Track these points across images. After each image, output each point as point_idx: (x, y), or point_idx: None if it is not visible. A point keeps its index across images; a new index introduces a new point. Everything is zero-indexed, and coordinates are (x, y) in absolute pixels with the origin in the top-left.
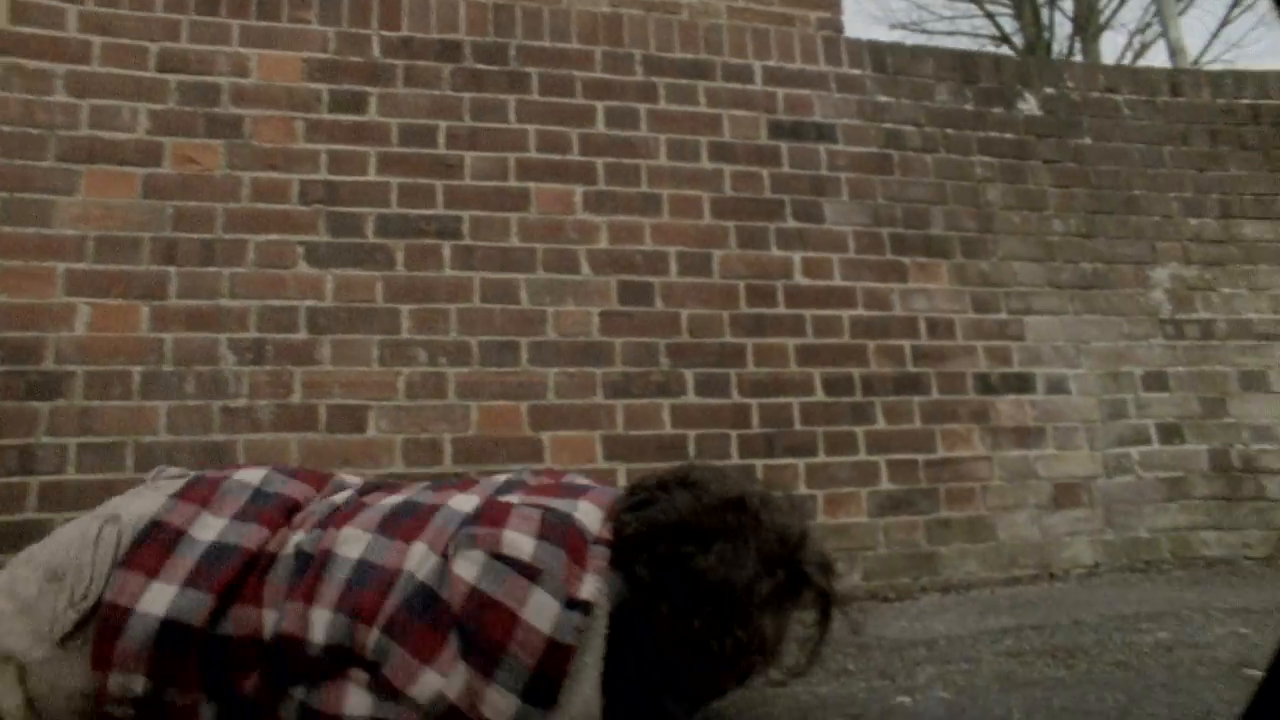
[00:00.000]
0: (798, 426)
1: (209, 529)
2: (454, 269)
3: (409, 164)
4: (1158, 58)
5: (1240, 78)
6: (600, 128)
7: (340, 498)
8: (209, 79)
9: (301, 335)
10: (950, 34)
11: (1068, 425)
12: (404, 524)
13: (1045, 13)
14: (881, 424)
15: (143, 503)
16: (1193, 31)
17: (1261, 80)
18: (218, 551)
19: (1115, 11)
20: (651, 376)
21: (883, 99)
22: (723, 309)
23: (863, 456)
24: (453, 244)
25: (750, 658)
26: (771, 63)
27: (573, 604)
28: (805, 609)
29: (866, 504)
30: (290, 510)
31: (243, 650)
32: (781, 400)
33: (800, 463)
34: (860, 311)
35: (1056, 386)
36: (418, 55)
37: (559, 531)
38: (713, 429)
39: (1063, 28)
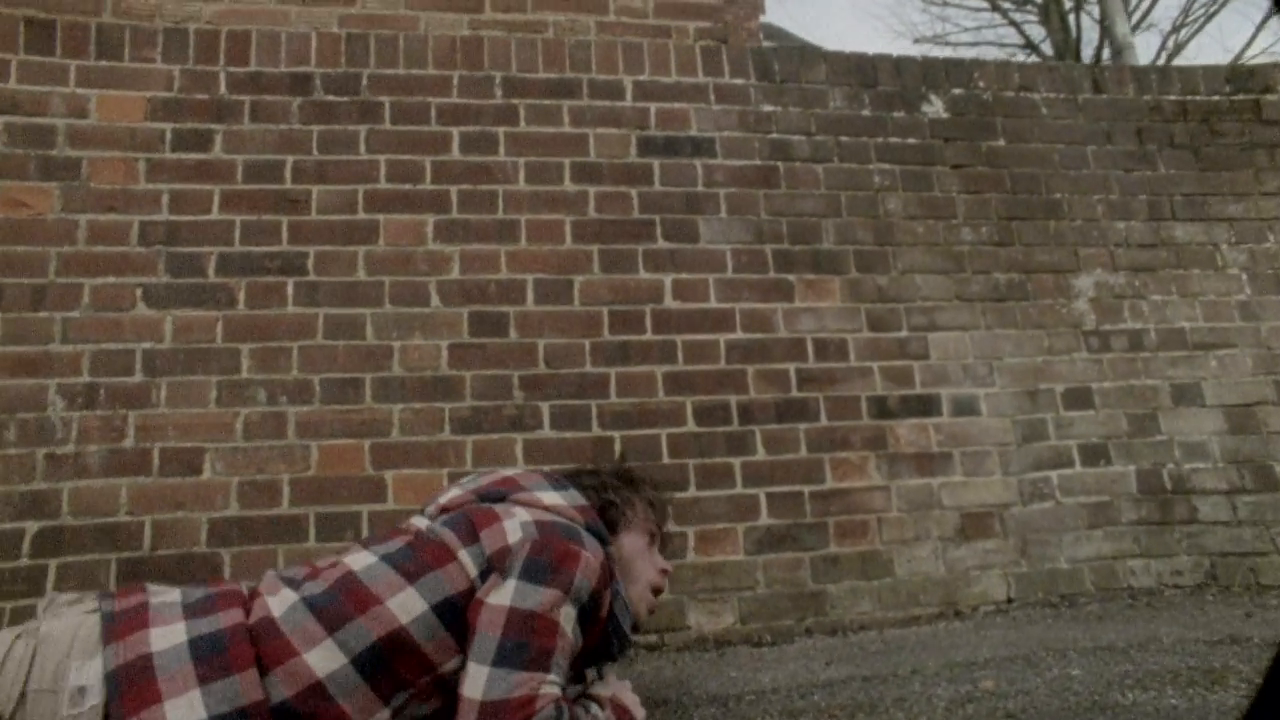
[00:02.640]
0: (665, 459)
1: (173, 636)
2: (297, 306)
3: (253, 201)
4: (1199, 55)
5: (1165, 73)
6: (455, 154)
7: (289, 570)
8: (42, 120)
9: (137, 378)
10: (974, 44)
11: (978, 449)
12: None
13: (1073, 18)
14: (761, 454)
15: (63, 622)
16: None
17: (1189, 75)
18: (205, 642)
19: (1147, 12)
20: (504, 410)
21: (768, 108)
22: (584, 337)
23: (739, 490)
24: (296, 280)
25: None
26: (644, 77)
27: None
28: (647, 502)
29: (744, 540)
30: (234, 596)
31: (308, 700)
32: (648, 432)
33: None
34: (738, 335)
35: (965, 408)
36: (266, 90)
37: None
38: (570, 464)
39: (1092, 31)
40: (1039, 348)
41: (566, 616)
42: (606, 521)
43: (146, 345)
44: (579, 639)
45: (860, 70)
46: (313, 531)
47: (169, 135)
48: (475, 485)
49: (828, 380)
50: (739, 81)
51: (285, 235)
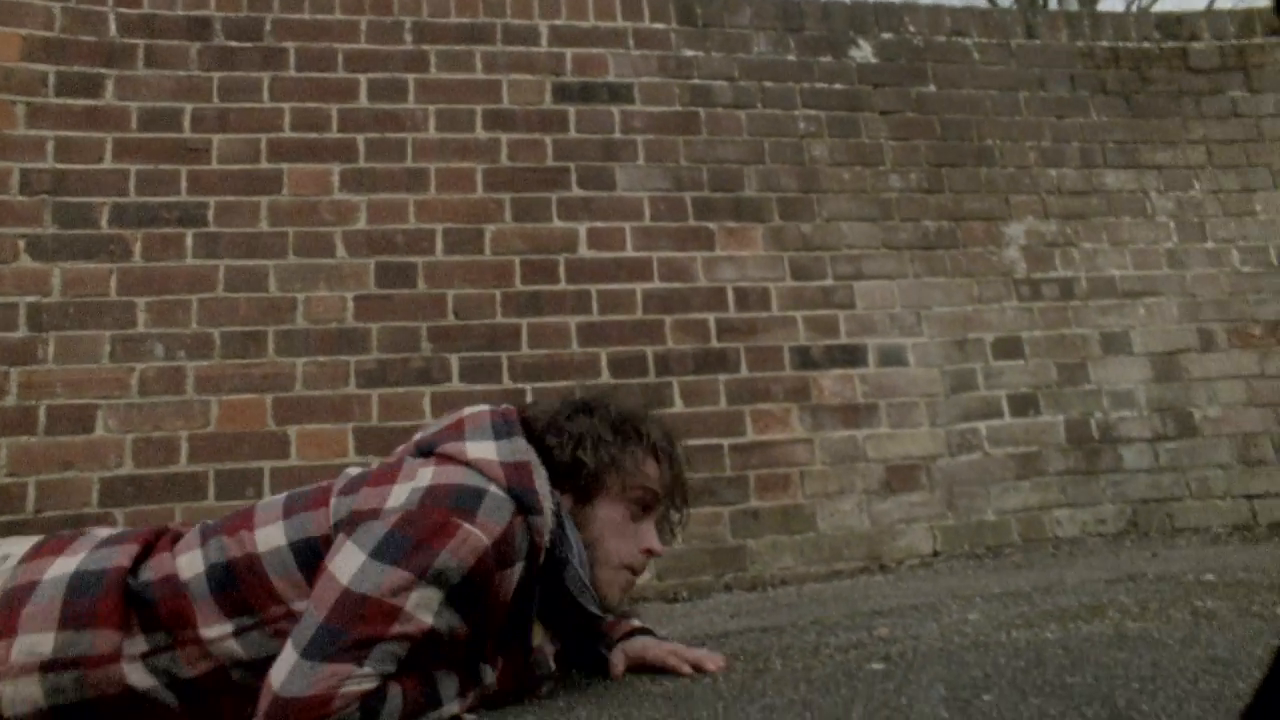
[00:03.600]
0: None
1: (67, 566)
2: (196, 258)
3: (150, 150)
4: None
5: (1098, 19)
6: (363, 102)
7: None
8: None
9: (20, 333)
10: None
11: (904, 400)
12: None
13: None
14: (679, 406)
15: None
16: None
17: (1120, 21)
18: (90, 576)
19: None
20: (411, 363)
21: (689, 53)
22: (495, 287)
23: None
24: (196, 231)
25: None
26: (560, 22)
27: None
28: (650, 459)
29: None
30: (148, 541)
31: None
32: (560, 384)
33: None
34: (656, 284)
35: (892, 358)
36: (161, 34)
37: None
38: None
39: None
40: (968, 296)
41: (420, 601)
42: (578, 486)
43: (31, 299)
44: (452, 624)
45: (786, 14)
46: (212, 489)
47: (52, 78)
48: (427, 432)
49: (749, 330)
50: (659, 26)
51: (184, 185)
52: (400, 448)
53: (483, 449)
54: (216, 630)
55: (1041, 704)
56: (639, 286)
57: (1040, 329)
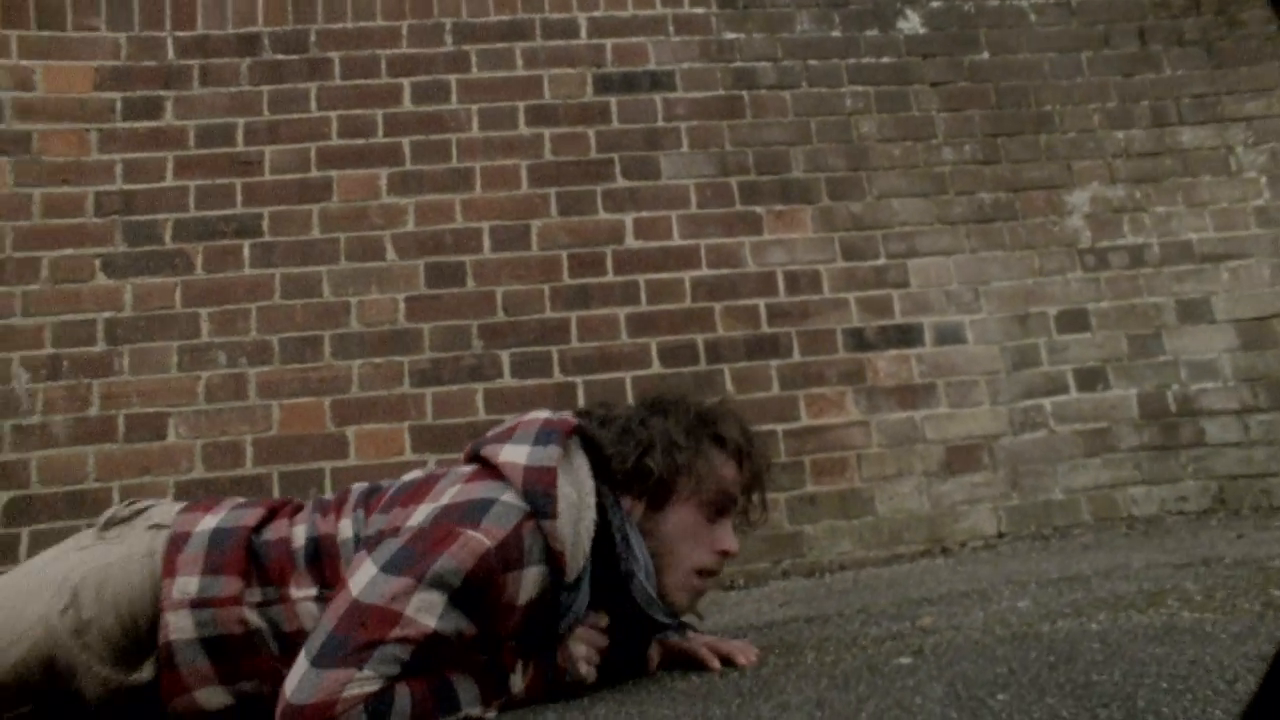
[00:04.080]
0: (631, 402)
1: (209, 522)
2: (254, 267)
3: (207, 165)
4: None
5: None
6: (407, 105)
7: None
8: None
9: (99, 347)
10: None
11: (964, 379)
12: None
13: None
14: (731, 393)
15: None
16: None
17: None
18: (225, 533)
19: None
20: (463, 361)
21: (731, 36)
22: (543, 282)
23: None
24: (252, 242)
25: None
26: (599, 13)
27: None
28: (728, 460)
29: None
30: (273, 508)
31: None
32: (611, 376)
33: None
34: (704, 271)
35: (950, 336)
36: (214, 53)
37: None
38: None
39: None
40: (1029, 269)
41: (421, 605)
42: (648, 492)
43: (107, 314)
44: (459, 627)
45: None
46: (276, 489)
47: (119, 104)
48: (493, 431)
49: (800, 314)
50: (699, 11)
51: (240, 197)
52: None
53: (515, 453)
54: (301, 593)
55: (1056, 704)
56: (687, 274)
57: (1108, 300)
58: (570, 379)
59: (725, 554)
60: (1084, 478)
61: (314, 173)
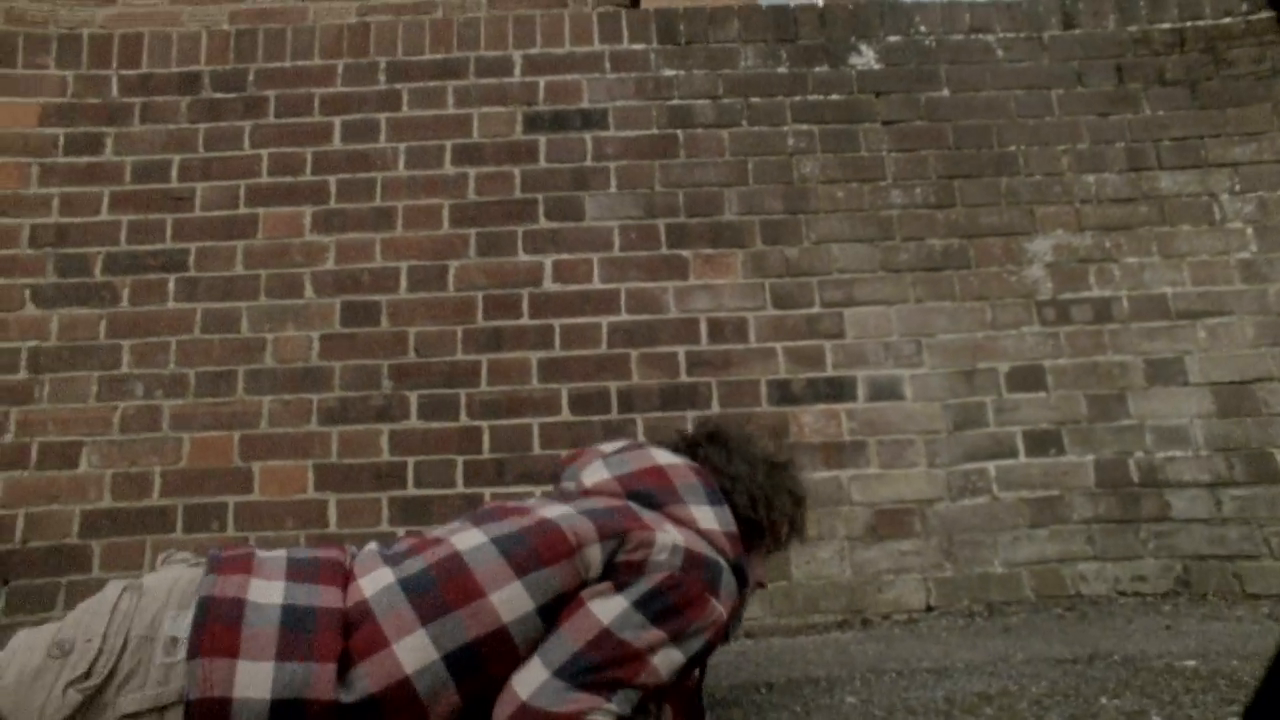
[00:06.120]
0: (536, 450)
1: (270, 594)
2: (177, 301)
3: (140, 200)
4: None
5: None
6: (336, 144)
7: (394, 544)
8: None
9: (21, 375)
10: None
11: (899, 438)
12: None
13: None
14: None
15: (165, 573)
16: None
17: None
18: (297, 615)
19: None
20: (371, 401)
21: (670, 73)
22: (456, 324)
23: None
24: (177, 276)
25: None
26: (534, 50)
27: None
28: (795, 511)
29: None
30: (337, 567)
31: (393, 695)
32: (519, 421)
33: (537, 490)
34: (623, 317)
35: (886, 391)
36: (156, 90)
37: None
38: (436, 455)
39: None
40: (980, 322)
41: (665, 660)
42: (748, 541)
43: (32, 343)
44: (677, 679)
45: (779, 24)
46: (180, 523)
47: (61, 139)
48: (623, 471)
49: (722, 363)
50: (639, 47)
51: (169, 232)
52: (594, 484)
53: (708, 519)
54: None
55: None
56: (605, 320)
57: (1068, 357)
58: (477, 423)
59: (760, 586)
60: (1028, 550)
61: (242, 209)
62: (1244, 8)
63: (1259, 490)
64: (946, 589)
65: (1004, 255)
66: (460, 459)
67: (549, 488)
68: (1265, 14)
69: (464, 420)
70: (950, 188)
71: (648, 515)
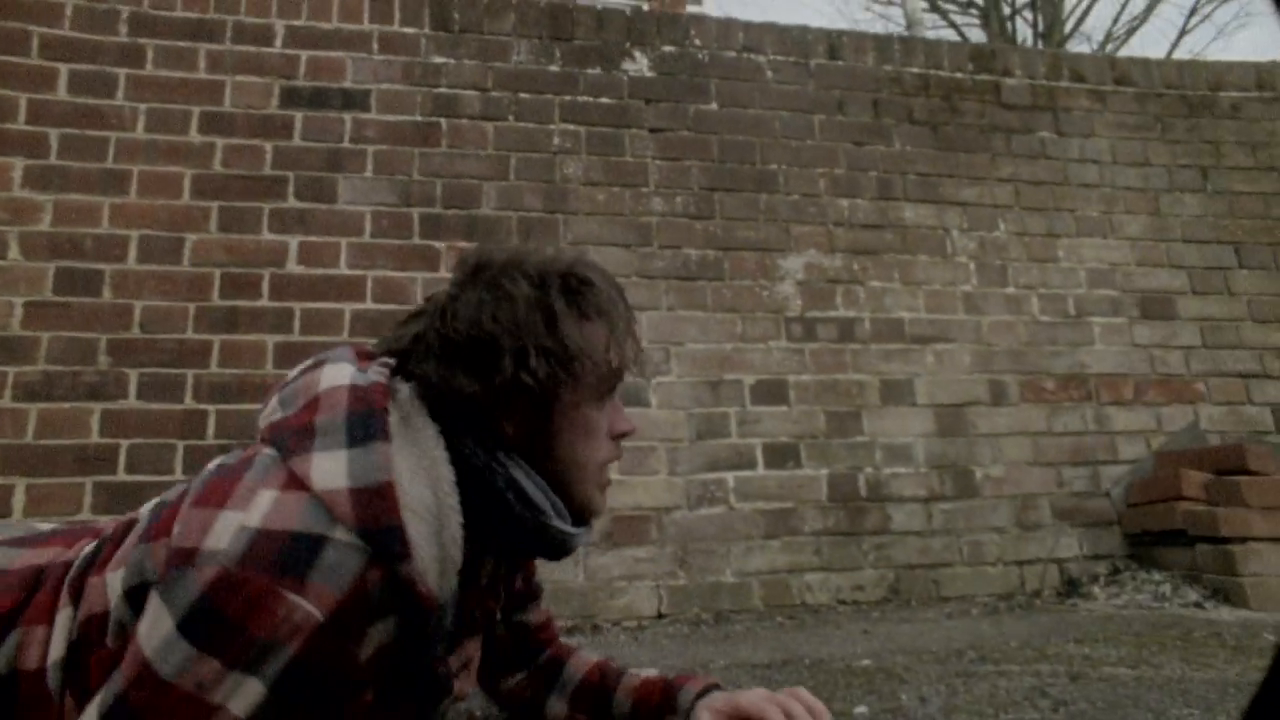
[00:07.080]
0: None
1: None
2: None
3: None
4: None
5: (910, 45)
6: (62, 94)
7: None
8: None
9: None
10: None
11: (640, 445)
12: None
13: (1012, 23)
14: None
15: None
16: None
17: (934, 49)
18: None
19: (1080, 21)
20: (83, 377)
21: (439, 60)
22: (189, 300)
23: None
24: None
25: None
26: (299, 22)
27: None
28: (600, 326)
29: None
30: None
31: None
32: (250, 406)
33: None
34: (367, 305)
35: (630, 398)
36: None
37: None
38: (154, 439)
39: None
40: (729, 334)
41: (232, 692)
42: (526, 422)
43: None
44: (288, 710)
45: (555, 22)
46: None
47: None
48: (284, 414)
49: None
50: (409, 30)
51: None
52: (263, 426)
53: (329, 471)
54: None
55: None
56: (349, 306)
57: (810, 373)
58: (203, 406)
59: (625, 435)
60: (760, 560)
61: None
62: (970, 66)
63: (960, 504)
64: (679, 597)
65: (758, 270)
66: (181, 444)
67: None
68: (984, 76)
69: (189, 403)
70: (711, 199)
71: (251, 474)
